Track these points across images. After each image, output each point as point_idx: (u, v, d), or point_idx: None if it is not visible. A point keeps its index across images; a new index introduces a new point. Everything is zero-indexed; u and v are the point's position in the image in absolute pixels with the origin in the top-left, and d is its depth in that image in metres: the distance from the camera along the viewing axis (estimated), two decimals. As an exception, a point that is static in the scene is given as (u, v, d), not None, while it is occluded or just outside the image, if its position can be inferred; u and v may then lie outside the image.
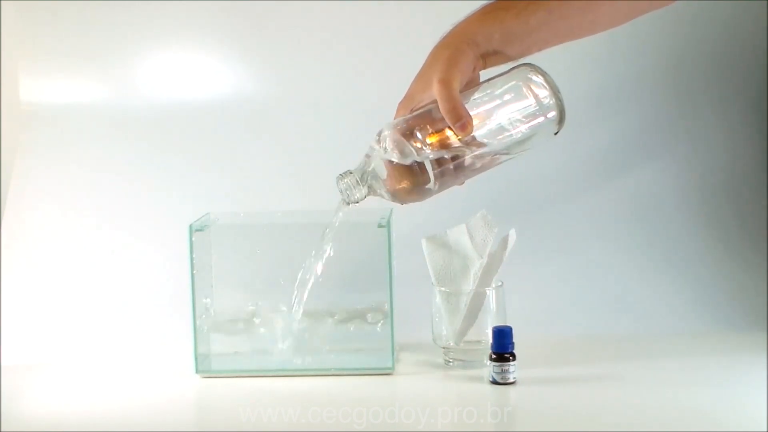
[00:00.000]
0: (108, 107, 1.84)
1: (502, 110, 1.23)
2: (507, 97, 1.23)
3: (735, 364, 1.47)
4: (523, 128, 1.22)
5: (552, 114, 1.22)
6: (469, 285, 1.47)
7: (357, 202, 1.26)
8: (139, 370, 1.52)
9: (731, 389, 1.38)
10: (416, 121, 1.22)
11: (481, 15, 1.24)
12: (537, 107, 1.21)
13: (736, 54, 1.84)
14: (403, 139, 1.20)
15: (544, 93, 1.21)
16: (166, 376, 1.48)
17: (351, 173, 1.24)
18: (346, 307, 1.51)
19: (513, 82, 1.22)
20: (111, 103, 1.84)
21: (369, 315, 1.50)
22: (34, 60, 1.85)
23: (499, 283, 1.49)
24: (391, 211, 1.50)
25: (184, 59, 1.86)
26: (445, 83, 1.19)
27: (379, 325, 1.48)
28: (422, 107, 1.22)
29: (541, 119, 1.22)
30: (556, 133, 1.23)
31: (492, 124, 1.23)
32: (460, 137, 1.20)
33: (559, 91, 1.21)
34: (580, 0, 1.24)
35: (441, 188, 1.24)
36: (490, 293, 1.47)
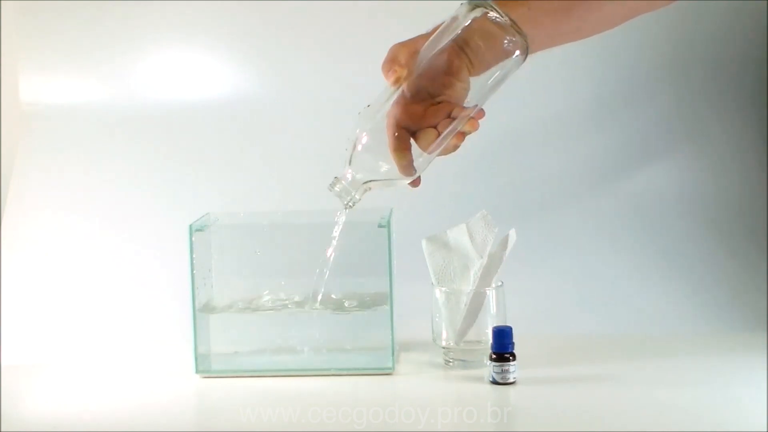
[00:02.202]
0: (108, 107, 1.84)
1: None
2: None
3: (735, 364, 1.46)
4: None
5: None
6: (469, 285, 1.47)
7: (358, 201, 1.24)
8: (139, 370, 1.52)
9: (731, 389, 1.38)
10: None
11: None
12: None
13: (736, 55, 1.84)
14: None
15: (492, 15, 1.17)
16: (166, 376, 1.48)
17: (338, 179, 1.23)
18: (346, 306, 1.51)
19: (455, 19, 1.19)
20: (111, 103, 1.84)
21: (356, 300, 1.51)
22: (34, 60, 1.85)
23: (499, 283, 1.49)
24: (391, 211, 1.50)
25: (184, 59, 1.87)
26: (390, 49, 1.18)
27: (377, 309, 1.48)
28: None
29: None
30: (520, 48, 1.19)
31: None
32: (392, 85, 1.18)
33: (502, 12, 1.17)
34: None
35: (432, 152, 1.21)
36: (490, 293, 1.47)
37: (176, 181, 1.80)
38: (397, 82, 1.17)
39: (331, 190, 1.22)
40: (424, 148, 1.19)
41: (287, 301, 1.51)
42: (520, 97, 1.78)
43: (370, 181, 1.21)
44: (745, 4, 1.82)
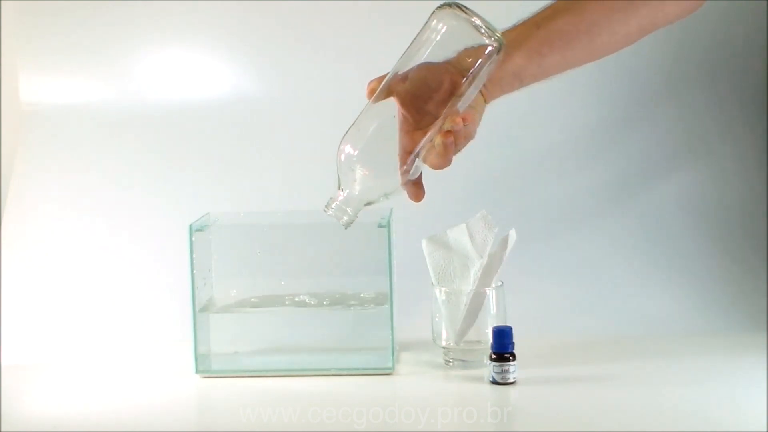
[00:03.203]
0: (108, 107, 1.84)
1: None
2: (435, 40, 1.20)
3: (735, 364, 1.46)
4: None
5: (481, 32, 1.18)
6: (469, 285, 1.47)
7: (354, 219, 1.24)
8: (139, 370, 1.52)
9: (731, 389, 1.38)
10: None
11: None
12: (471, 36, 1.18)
13: (736, 59, 1.84)
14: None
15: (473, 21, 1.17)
16: (166, 376, 1.48)
17: (333, 199, 1.23)
18: (346, 306, 1.52)
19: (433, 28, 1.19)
20: (111, 103, 1.84)
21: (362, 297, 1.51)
22: (34, 59, 1.85)
23: (499, 283, 1.49)
24: (391, 211, 1.50)
25: (184, 59, 1.86)
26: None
27: (373, 307, 1.48)
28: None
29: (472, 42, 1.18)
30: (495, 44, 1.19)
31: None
32: (367, 96, 1.20)
33: (471, 11, 1.17)
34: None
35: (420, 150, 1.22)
36: (490, 293, 1.47)
37: (176, 181, 1.80)
38: (371, 93, 1.20)
39: (326, 212, 1.23)
40: (422, 159, 1.20)
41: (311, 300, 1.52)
42: (520, 100, 1.78)
43: (367, 201, 1.22)
44: (745, 5, 1.82)
